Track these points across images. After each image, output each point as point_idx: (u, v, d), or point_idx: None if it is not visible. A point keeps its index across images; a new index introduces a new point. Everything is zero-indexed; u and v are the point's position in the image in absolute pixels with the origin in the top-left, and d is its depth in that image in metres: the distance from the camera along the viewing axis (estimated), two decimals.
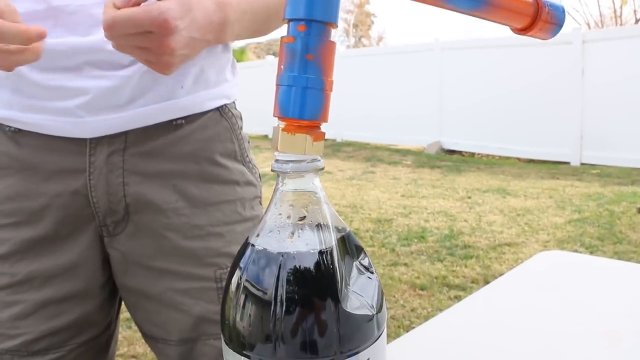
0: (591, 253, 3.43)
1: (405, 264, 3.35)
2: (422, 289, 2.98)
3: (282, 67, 0.31)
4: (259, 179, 0.82)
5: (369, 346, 0.33)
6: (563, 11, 0.44)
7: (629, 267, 0.96)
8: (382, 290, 0.36)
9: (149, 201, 0.72)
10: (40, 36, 0.55)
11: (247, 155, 0.80)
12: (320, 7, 0.31)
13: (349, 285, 0.33)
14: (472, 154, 8.82)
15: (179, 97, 0.72)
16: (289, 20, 0.31)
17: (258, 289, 0.32)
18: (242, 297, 0.32)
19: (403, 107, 9.48)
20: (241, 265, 0.33)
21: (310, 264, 0.32)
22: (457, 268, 3.25)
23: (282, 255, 0.32)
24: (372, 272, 0.35)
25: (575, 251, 3.49)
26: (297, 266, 0.32)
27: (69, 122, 0.68)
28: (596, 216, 4.27)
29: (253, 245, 0.33)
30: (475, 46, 9.57)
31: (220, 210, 0.75)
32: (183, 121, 0.73)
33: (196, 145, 0.74)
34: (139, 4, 0.54)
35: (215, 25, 0.62)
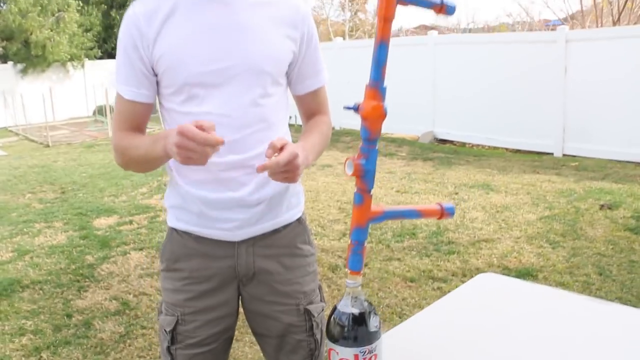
0: (553, 248, 4.11)
1: (398, 259, 4.03)
2: (411, 281, 3.66)
3: (350, 254, 0.96)
4: (315, 248, 1.49)
5: (377, 340, 0.98)
6: (453, 207, 1.08)
7: (542, 289, 1.59)
8: (380, 319, 1.00)
9: (266, 269, 1.40)
10: (220, 143, 1.11)
11: (311, 239, 1.49)
12: (361, 234, 0.95)
13: (371, 320, 0.97)
14: (463, 144, 9.46)
15: (280, 217, 1.40)
16: (351, 240, 0.96)
17: (339, 322, 0.96)
18: (335, 324, 0.97)
19: (399, 97, 9.99)
20: (334, 315, 0.97)
21: (358, 315, 0.96)
22: (441, 263, 3.93)
23: (349, 313, 0.96)
24: (376, 314, 1.00)
25: (541, 247, 4.16)
26: (354, 316, 0.96)
27: (227, 234, 1.36)
28: (564, 213, 4.94)
29: (338, 308, 0.98)
30: (466, 41, 10.17)
31: (299, 270, 1.43)
32: (282, 229, 1.42)
33: (288, 240, 1.43)
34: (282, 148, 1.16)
35: (306, 163, 1.26)
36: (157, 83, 1.33)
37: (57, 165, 8.89)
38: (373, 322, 0.97)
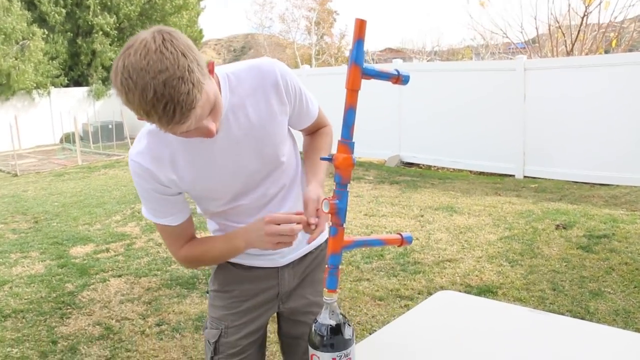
0: (512, 267, 4.39)
1: (368, 279, 4.26)
2: (380, 299, 3.89)
3: (327, 275, 1.18)
4: None
5: (351, 346, 1.20)
6: (411, 236, 1.32)
7: (495, 304, 1.83)
8: (353, 328, 1.23)
9: (301, 284, 1.68)
10: (304, 221, 1.35)
11: None
12: (336, 259, 1.18)
13: (345, 329, 1.20)
14: (429, 167, 9.80)
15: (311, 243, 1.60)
16: (328, 264, 1.19)
17: (320, 332, 1.19)
18: (316, 334, 1.19)
19: (367, 123, 10.30)
20: (315, 326, 1.20)
21: (335, 325, 1.19)
22: (408, 282, 4.17)
23: (327, 324, 1.19)
24: (350, 325, 1.22)
25: (500, 265, 4.44)
26: (331, 327, 1.18)
27: (273, 262, 1.62)
28: (522, 233, 5.25)
29: (318, 320, 1.20)
30: (431, 69, 10.59)
31: (320, 283, 1.68)
32: (315, 250, 1.68)
33: (320, 258, 1.70)
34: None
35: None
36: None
37: (27, 195, 8.90)
38: (347, 332, 1.19)
